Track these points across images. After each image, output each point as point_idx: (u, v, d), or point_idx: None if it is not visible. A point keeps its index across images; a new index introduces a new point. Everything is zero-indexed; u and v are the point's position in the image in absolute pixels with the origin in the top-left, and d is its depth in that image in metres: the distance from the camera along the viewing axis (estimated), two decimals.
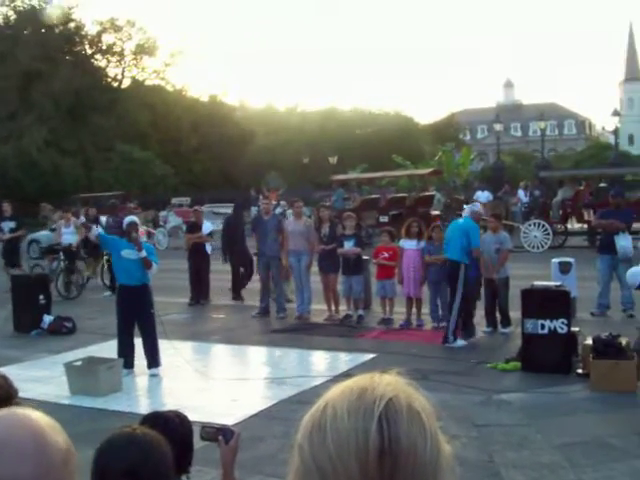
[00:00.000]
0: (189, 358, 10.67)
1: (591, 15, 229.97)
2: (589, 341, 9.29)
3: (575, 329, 10.07)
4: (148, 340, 10.21)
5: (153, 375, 10.12)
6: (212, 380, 9.83)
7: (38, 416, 1.28)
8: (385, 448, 1.08)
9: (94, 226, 12.44)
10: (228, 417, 7.94)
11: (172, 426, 3.06)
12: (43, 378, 10.00)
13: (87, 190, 46.68)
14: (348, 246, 13.46)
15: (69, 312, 14.23)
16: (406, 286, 12.95)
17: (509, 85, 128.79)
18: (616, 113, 40.08)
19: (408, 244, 13.03)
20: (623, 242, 12.78)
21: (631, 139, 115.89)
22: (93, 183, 51.93)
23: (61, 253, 17.94)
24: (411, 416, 1.13)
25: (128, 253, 10.15)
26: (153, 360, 10.20)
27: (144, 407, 8.52)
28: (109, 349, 10.63)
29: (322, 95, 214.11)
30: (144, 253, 10.00)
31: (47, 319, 13.57)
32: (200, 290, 16.10)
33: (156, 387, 9.77)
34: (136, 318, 10.23)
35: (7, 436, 1.22)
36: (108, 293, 17.43)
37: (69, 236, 18.18)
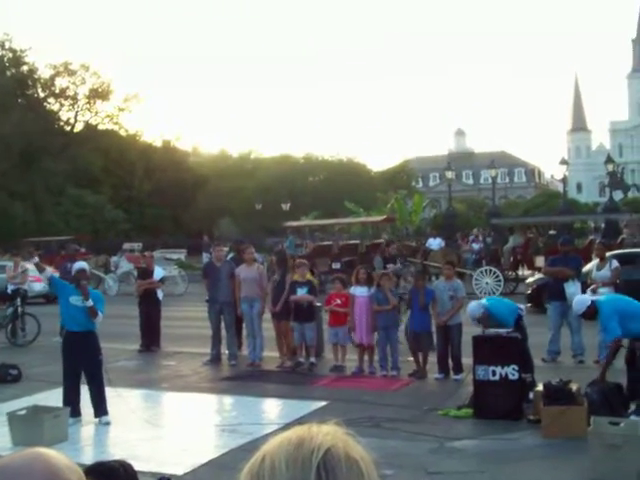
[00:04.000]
0: (138, 406, 10.50)
1: (539, 66, 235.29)
2: (540, 387, 9.32)
3: (526, 375, 10.13)
4: (94, 387, 10.00)
5: (105, 423, 9.85)
6: (161, 428, 9.65)
7: (55, 454, 1.33)
8: None
9: (48, 267, 12.14)
10: (177, 466, 7.79)
11: (116, 476, 2.98)
12: None
13: (36, 234, 46.14)
14: (301, 293, 13.41)
15: (15, 359, 13.92)
16: (358, 333, 12.92)
17: (460, 133, 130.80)
18: (564, 162, 40.82)
19: (359, 291, 13.02)
20: (572, 289, 12.92)
21: (579, 187, 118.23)
22: (43, 227, 51.32)
23: (18, 299, 17.48)
24: (349, 465, 1.11)
25: (76, 300, 10.03)
26: (100, 408, 9.96)
27: (90, 457, 8.31)
28: (56, 397, 10.40)
29: (275, 142, 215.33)
30: (91, 302, 9.87)
31: None
32: (151, 337, 15.90)
33: (103, 436, 9.54)
34: (82, 365, 10.03)
35: (23, 468, 1.27)
36: (58, 339, 17.11)
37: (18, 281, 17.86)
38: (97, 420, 9.94)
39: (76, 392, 10.01)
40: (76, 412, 9.88)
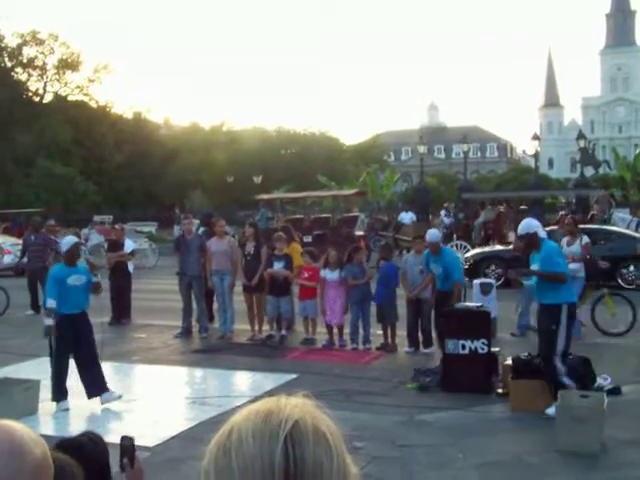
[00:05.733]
0: (109, 378, 10.42)
1: (512, 42, 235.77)
2: (509, 361, 9.41)
3: (495, 349, 10.23)
4: (94, 367, 9.49)
5: (118, 397, 9.47)
6: (132, 401, 9.64)
7: (21, 427, 1.36)
8: (290, 470, 1.08)
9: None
10: (148, 438, 7.80)
11: (86, 450, 2.97)
12: None
13: (5, 206, 45.66)
14: (278, 267, 13.38)
15: None
16: (329, 316, 12.93)
17: (433, 108, 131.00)
18: (536, 137, 40.96)
19: (329, 275, 12.98)
20: None
21: (550, 163, 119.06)
22: (11, 198, 50.80)
23: None
24: (317, 438, 1.12)
25: (75, 279, 9.41)
26: (103, 387, 9.50)
27: (60, 430, 8.31)
28: (26, 370, 10.35)
29: (248, 115, 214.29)
30: (98, 277, 9.37)
31: None
32: (121, 309, 15.83)
33: (73, 409, 9.48)
34: (81, 346, 9.46)
35: None
36: (31, 312, 17.03)
37: None
38: (103, 399, 9.46)
39: (66, 375, 9.47)
40: (65, 394, 9.43)
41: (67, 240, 9.87)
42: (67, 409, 9.33)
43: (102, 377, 9.52)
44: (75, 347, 9.44)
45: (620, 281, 18.83)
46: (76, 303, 9.41)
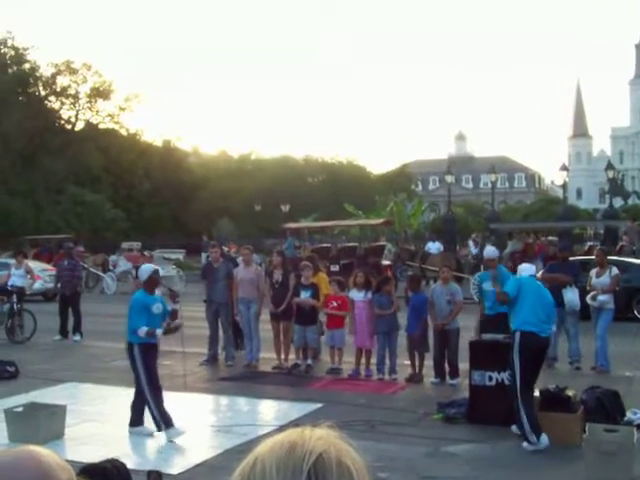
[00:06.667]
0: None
1: (541, 72, 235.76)
2: (537, 393, 9.32)
3: None
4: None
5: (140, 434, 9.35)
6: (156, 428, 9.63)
7: (47, 452, 1.33)
8: None
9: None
10: (172, 466, 7.79)
11: (109, 477, 2.99)
12: None
13: (35, 232, 46.13)
14: (305, 296, 13.40)
15: (13, 356, 13.91)
16: (359, 337, 12.93)
17: (461, 137, 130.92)
18: (564, 168, 40.79)
19: (357, 296, 13.03)
20: (570, 295, 12.91)
21: (579, 193, 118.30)
22: (42, 225, 51.29)
23: (14, 295, 17.44)
24: (341, 471, 1.11)
25: (158, 307, 9.29)
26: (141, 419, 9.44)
27: (85, 455, 8.31)
28: (52, 395, 10.40)
29: (276, 143, 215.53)
30: (179, 305, 9.11)
31: None
32: None
33: (99, 435, 9.51)
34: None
35: (15, 467, 1.27)
36: (58, 337, 17.14)
37: (17, 278, 17.81)
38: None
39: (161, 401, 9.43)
40: (170, 422, 9.22)
41: (146, 268, 9.71)
42: (179, 433, 9.17)
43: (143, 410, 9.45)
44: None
45: (636, 312, 18.83)
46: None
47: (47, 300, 24.38)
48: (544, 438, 8.50)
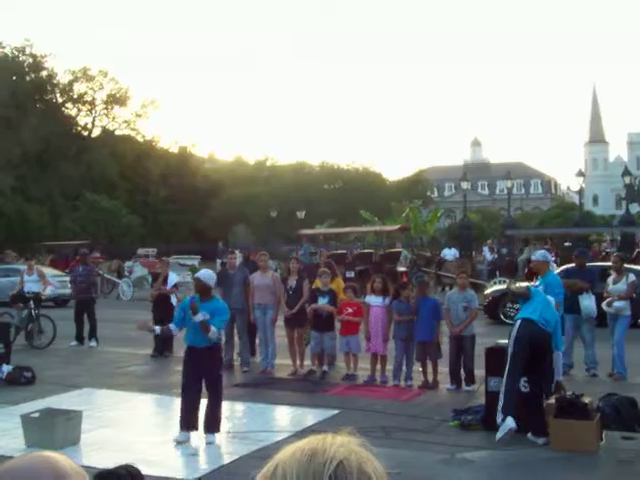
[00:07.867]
0: (149, 411, 10.51)
1: (557, 77, 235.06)
2: (552, 400, 9.28)
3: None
4: (212, 402, 9.49)
5: (210, 442, 9.29)
6: (172, 434, 9.65)
7: (63, 458, 1.35)
8: None
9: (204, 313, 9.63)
10: (188, 472, 7.79)
11: None
12: None
13: (52, 238, 46.39)
14: (323, 302, 13.40)
15: (30, 362, 13.96)
16: (373, 342, 12.90)
17: (476, 144, 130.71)
18: (581, 174, 40.65)
19: (374, 301, 13.02)
20: (587, 302, 12.85)
21: (595, 199, 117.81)
22: (59, 231, 51.58)
23: (31, 301, 17.50)
24: (361, 478, 1.11)
25: (201, 315, 9.34)
26: (214, 424, 9.45)
27: (100, 461, 8.33)
28: (68, 401, 10.43)
29: (292, 149, 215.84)
30: (200, 317, 9.12)
31: (5, 369, 13.27)
32: (164, 342, 15.91)
33: (114, 441, 9.54)
34: (204, 379, 9.49)
35: (31, 472, 1.29)
36: (75, 343, 17.19)
37: (32, 284, 17.89)
38: (206, 437, 9.36)
39: (196, 405, 9.42)
40: (193, 426, 9.35)
41: (211, 274, 10.03)
42: (185, 440, 9.21)
43: (218, 415, 9.49)
44: (203, 379, 9.48)
45: None
46: (198, 337, 9.38)
47: (57, 306, 24.52)
48: (509, 420, 8.65)
